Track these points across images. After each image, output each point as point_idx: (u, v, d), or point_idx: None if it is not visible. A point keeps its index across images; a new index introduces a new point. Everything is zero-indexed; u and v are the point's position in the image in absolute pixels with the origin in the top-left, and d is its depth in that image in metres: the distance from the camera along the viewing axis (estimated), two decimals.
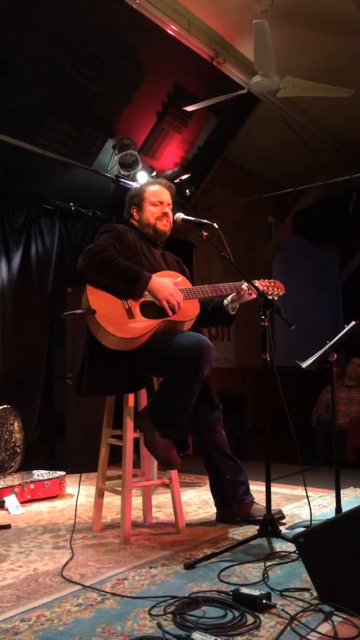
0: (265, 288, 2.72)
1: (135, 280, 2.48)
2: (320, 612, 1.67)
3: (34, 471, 3.76)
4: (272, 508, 2.40)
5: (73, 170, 4.73)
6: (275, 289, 2.78)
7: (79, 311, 2.49)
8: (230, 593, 1.79)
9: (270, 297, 2.66)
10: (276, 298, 2.72)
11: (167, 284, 2.54)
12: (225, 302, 2.79)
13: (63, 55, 4.04)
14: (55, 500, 3.48)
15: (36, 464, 4.13)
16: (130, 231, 2.72)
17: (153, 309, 2.54)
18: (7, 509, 3.13)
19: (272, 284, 2.81)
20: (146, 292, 2.50)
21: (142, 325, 2.46)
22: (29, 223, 4.69)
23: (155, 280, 2.51)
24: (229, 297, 2.78)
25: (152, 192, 2.78)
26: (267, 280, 2.82)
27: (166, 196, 2.79)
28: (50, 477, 3.58)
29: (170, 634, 1.56)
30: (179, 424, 2.49)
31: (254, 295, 2.67)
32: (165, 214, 2.76)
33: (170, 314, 2.51)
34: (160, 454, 2.47)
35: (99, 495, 2.72)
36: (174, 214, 2.75)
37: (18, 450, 3.87)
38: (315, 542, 1.78)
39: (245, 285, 2.70)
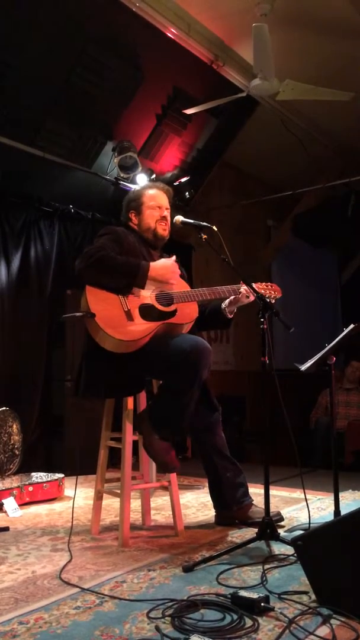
0: (262, 291, 2.71)
1: (135, 271, 2.49)
2: (319, 615, 1.67)
3: (33, 473, 3.76)
4: (271, 511, 2.40)
5: (72, 173, 4.73)
6: (273, 292, 2.78)
7: (78, 314, 2.49)
8: (229, 596, 1.79)
9: (268, 300, 2.66)
10: (273, 301, 2.71)
11: (165, 265, 2.58)
12: (223, 305, 2.79)
13: (63, 57, 4.05)
14: (54, 503, 3.48)
15: (35, 466, 4.13)
16: (130, 234, 2.73)
17: (152, 312, 2.54)
18: (5, 512, 3.12)
19: (269, 287, 2.80)
20: (149, 283, 2.51)
21: (141, 328, 2.46)
22: (29, 225, 4.69)
23: (154, 266, 2.55)
24: (227, 301, 2.78)
25: (151, 196, 2.79)
26: (264, 283, 2.82)
27: (164, 200, 2.81)
28: (49, 479, 3.57)
29: (168, 637, 1.55)
30: (179, 426, 2.49)
31: (252, 299, 2.67)
32: (164, 218, 2.77)
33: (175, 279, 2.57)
34: (159, 457, 2.46)
35: (98, 497, 2.71)
36: (172, 217, 2.76)
37: (17, 452, 3.87)
38: (313, 545, 1.78)
39: (243, 289, 2.70)
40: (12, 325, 4.48)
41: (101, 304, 2.47)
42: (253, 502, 2.80)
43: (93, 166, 4.81)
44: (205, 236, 2.61)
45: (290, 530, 2.62)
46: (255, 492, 3.01)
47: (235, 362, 6.85)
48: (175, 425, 2.47)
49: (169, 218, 2.78)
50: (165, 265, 2.59)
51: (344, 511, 2.55)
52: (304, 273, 7.82)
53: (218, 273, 6.19)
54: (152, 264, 2.56)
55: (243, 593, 1.77)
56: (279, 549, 2.32)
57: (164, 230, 2.78)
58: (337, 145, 6.27)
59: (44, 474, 3.73)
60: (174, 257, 2.70)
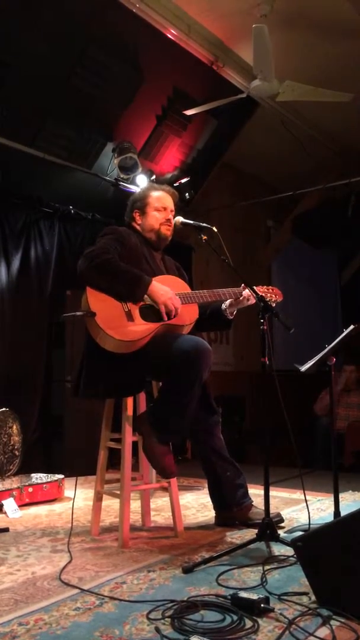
0: (263, 294, 2.70)
1: (135, 283, 2.48)
2: (319, 616, 1.67)
3: (33, 474, 3.76)
4: (271, 512, 2.40)
5: (72, 174, 4.74)
6: (273, 296, 2.77)
7: (78, 313, 2.49)
8: (229, 597, 1.79)
9: (268, 302, 2.65)
10: (274, 305, 2.70)
11: (167, 288, 2.55)
12: (224, 306, 2.79)
13: (63, 58, 4.06)
14: (54, 504, 3.47)
15: (35, 467, 4.13)
16: (133, 234, 2.73)
17: (152, 313, 2.54)
18: (5, 513, 3.12)
19: (270, 290, 2.80)
20: (146, 296, 2.51)
21: (141, 329, 2.47)
22: (29, 226, 4.70)
23: (155, 284, 2.52)
24: (227, 302, 2.78)
25: (156, 198, 2.79)
26: (265, 286, 2.82)
27: (169, 202, 2.81)
28: (48, 480, 3.57)
29: (168, 638, 1.55)
30: (179, 428, 2.49)
31: (253, 301, 2.67)
32: (168, 220, 2.77)
33: (166, 318, 2.51)
34: (158, 462, 2.46)
35: (98, 498, 2.71)
36: (173, 218, 2.76)
37: (17, 453, 3.86)
38: (313, 546, 1.78)
39: (245, 292, 2.70)
40: (12, 325, 4.48)
41: (101, 303, 2.47)
42: (253, 503, 2.80)
43: (93, 167, 4.82)
44: (205, 237, 2.61)
45: (290, 531, 2.62)
46: (255, 493, 3.01)
47: (235, 362, 6.85)
48: (176, 426, 2.47)
49: (172, 221, 2.78)
50: (166, 290, 2.53)
51: (344, 512, 2.55)
52: (304, 273, 7.82)
53: (218, 273, 6.19)
54: (154, 282, 2.52)
55: (243, 594, 1.77)
56: (278, 550, 2.32)
57: (167, 231, 2.77)
58: (338, 146, 6.28)
59: (44, 474, 3.73)
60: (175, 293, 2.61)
